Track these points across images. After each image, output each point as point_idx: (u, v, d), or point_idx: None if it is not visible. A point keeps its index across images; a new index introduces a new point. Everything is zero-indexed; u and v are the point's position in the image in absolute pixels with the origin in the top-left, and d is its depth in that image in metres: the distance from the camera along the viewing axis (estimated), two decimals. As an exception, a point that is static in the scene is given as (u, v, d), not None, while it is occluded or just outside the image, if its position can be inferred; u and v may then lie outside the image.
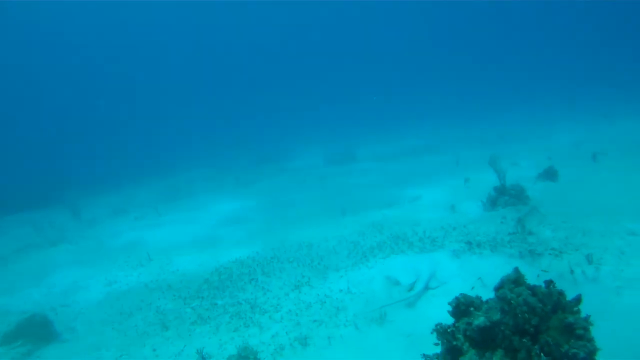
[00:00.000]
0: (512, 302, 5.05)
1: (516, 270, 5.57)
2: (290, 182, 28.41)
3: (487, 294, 9.80)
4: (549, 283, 5.38)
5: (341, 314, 9.95)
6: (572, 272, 9.84)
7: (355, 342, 8.88)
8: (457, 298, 5.68)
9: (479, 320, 5.20)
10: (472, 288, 9.92)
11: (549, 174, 18.57)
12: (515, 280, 5.44)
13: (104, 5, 73.90)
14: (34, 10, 69.00)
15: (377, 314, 9.52)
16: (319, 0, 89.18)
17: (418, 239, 13.83)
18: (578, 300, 5.36)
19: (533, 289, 5.28)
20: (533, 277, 9.85)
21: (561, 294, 5.28)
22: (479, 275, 10.65)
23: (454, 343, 5.39)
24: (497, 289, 5.48)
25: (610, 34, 80.00)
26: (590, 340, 4.81)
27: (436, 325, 5.65)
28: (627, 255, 10.61)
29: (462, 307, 5.61)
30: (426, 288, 10.61)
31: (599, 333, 5.22)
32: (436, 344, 5.78)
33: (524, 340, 4.87)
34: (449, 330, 5.51)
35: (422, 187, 21.66)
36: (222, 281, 12.90)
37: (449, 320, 9.19)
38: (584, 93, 46.10)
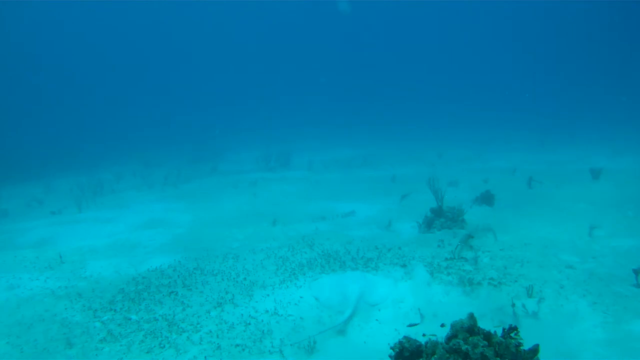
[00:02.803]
0: (468, 355, 4.41)
1: (471, 316, 4.96)
2: (222, 186, 27.37)
3: (426, 325, 9.33)
4: (508, 332, 4.81)
5: (266, 339, 9.14)
6: (513, 305, 9.47)
7: (281, 373, 8.11)
8: (400, 342, 5.02)
9: (428, 373, 4.54)
10: (417, 324, 9.39)
11: (486, 198, 18.48)
12: (470, 328, 4.83)
13: None
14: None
15: (306, 342, 8.77)
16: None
17: (351, 258, 13.23)
18: (535, 351, 4.83)
19: (489, 338, 4.69)
20: (473, 309, 9.46)
21: (518, 345, 4.72)
22: (414, 302, 10.15)
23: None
24: (450, 338, 4.83)
25: (547, 67, 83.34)
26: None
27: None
28: (566, 290, 10.43)
29: (407, 354, 4.95)
30: (355, 312, 9.98)
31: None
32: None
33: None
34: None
35: (356, 201, 21.20)
36: (139, 292, 11.80)
37: (381, 350, 8.63)
38: (521, 120, 47.60)
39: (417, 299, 10.37)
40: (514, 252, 12.91)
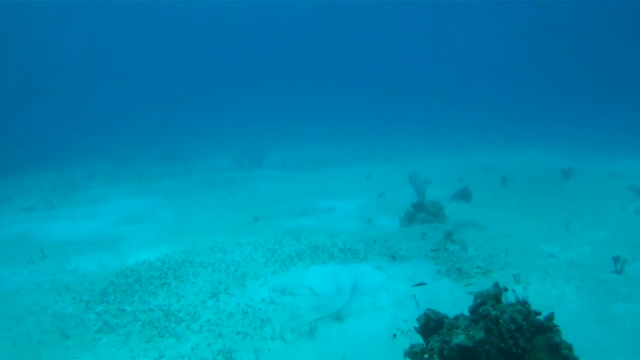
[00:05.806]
0: (498, 319, 4.63)
1: (496, 285, 5.20)
2: (197, 183, 27.23)
3: (418, 311, 9.56)
4: (524, 303, 5.06)
5: (267, 326, 9.23)
6: (505, 290, 9.76)
7: (285, 356, 8.21)
8: (426, 314, 5.21)
9: (459, 338, 4.74)
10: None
11: (463, 195, 18.93)
12: (496, 296, 5.06)
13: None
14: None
15: (307, 328, 8.90)
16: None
17: (339, 249, 13.42)
18: (551, 318, 5.09)
19: (512, 306, 4.94)
20: (466, 295, 9.78)
21: (537, 313, 4.97)
22: (408, 290, 10.40)
23: (427, 364, 4.91)
24: (478, 305, 5.05)
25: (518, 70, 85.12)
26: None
27: (408, 350, 5.10)
28: (551, 276, 10.83)
29: (432, 324, 5.15)
30: (350, 300, 10.16)
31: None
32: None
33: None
34: (422, 350, 4.99)
35: (335, 198, 21.43)
36: (130, 284, 11.73)
37: (380, 334, 8.86)
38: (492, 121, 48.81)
39: (410, 287, 10.60)
40: (497, 243, 13.30)
